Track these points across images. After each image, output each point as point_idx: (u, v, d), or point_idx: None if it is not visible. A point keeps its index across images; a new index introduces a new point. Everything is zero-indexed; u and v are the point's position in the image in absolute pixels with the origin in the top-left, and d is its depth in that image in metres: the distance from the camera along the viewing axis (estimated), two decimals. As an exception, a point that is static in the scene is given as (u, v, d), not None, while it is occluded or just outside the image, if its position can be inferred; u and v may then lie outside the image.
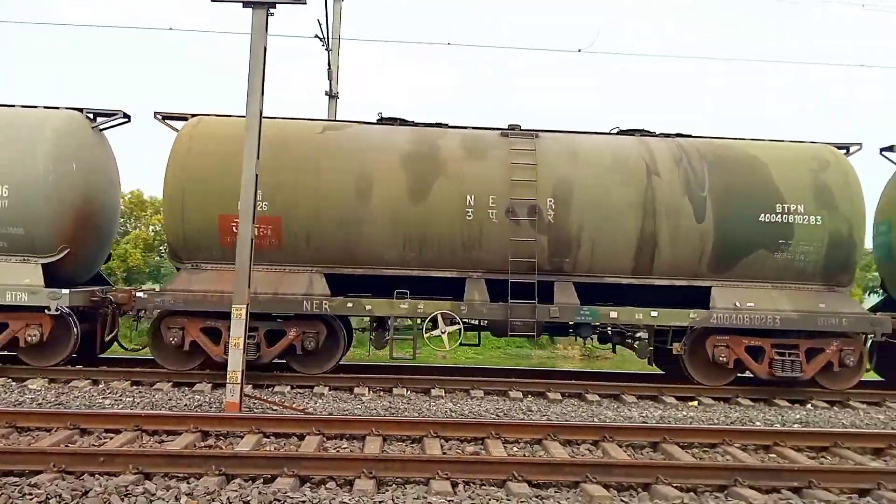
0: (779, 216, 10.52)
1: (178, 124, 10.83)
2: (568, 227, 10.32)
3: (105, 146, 11.22)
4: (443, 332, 10.12)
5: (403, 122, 11.04)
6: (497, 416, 8.69)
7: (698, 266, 10.59)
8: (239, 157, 8.75)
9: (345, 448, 6.72)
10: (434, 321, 10.14)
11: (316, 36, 14.93)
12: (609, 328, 10.80)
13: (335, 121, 10.82)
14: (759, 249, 10.54)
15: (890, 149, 11.96)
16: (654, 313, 10.36)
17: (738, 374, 10.78)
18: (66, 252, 10.22)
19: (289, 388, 9.78)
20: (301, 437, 6.87)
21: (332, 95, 15.79)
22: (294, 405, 8.68)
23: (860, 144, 11.66)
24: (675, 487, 5.60)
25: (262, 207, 9.94)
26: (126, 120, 11.16)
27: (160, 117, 10.88)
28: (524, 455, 6.65)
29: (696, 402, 10.07)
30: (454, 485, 5.54)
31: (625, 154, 10.70)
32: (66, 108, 10.72)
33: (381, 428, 6.98)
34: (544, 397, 9.96)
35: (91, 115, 10.96)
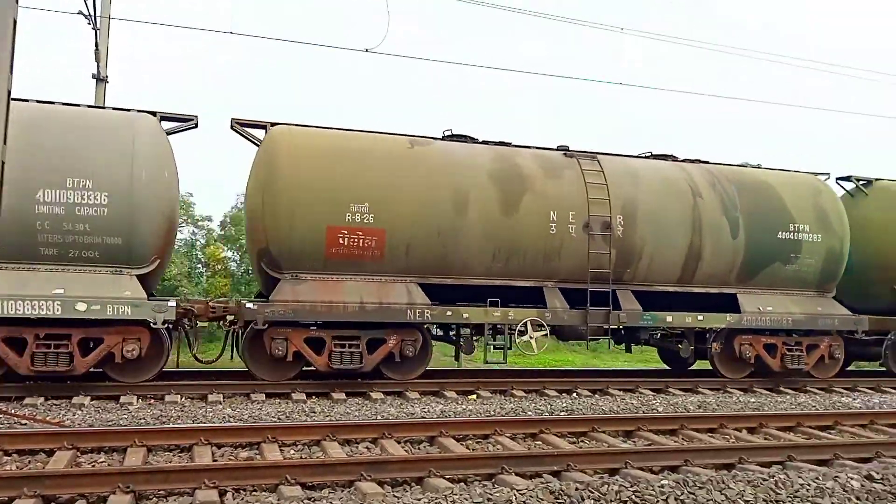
0: (791, 234, 12.46)
1: (250, 133, 10.74)
2: (633, 241, 11.54)
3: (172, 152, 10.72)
4: (531, 338, 10.95)
5: (471, 139, 11.67)
6: (278, 418, 8.36)
7: (728, 276, 12.27)
8: (344, 170, 8.94)
9: (102, 462, 6.29)
10: (524, 327, 10.93)
11: (80, 12, 13.74)
12: (662, 331, 12.19)
13: (414, 136, 11.13)
14: (776, 262, 12.42)
15: (847, 178, 14.37)
16: (700, 317, 11.88)
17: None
18: (157, 263, 9.83)
19: (42, 399, 9.01)
20: (51, 453, 6.27)
21: (101, 79, 14.25)
22: (48, 418, 7.91)
23: (828, 174, 13.93)
24: (447, 479, 5.72)
25: (367, 220, 10.20)
26: (194, 126, 10.70)
27: (238, 125, 10.68)
28: (301, 457, 6.58)
29: (475, 396, 10.48)
30: (222, 493, 5.26)
31: (673, 177, 12.11)
32: (141, 111, 10.19)
33: (145, 438, 6.59)
34: (328, 398, 9.95)
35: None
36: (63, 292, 9.12)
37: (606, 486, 5.30)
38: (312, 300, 10.06)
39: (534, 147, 11.94)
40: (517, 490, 5.20)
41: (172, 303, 9.61)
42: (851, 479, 5.81)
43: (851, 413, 9.35)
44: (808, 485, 5.61)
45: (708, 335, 12.13)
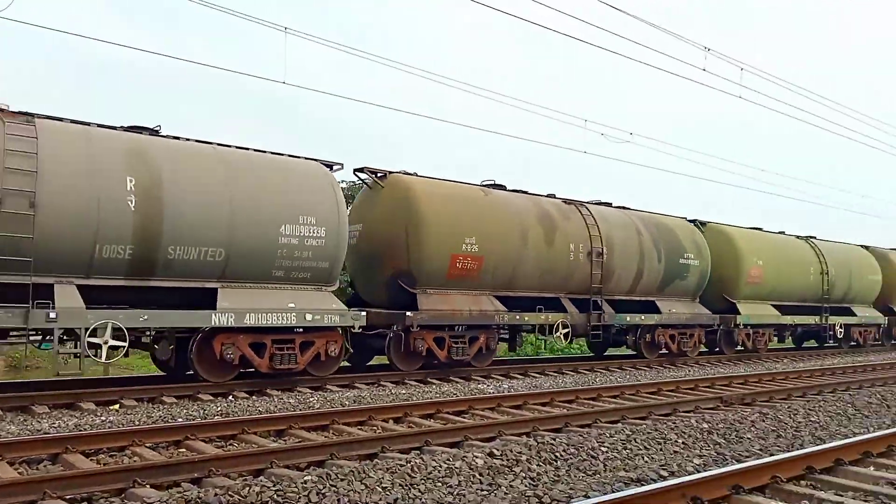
0: (684, 260, 18.64)
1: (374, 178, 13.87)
2: (612, 265, 16.70)
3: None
4: (560, 334, 15.52)
5: (504, 188, 15.89)
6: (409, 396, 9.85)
7: (654, 288, 18.05)
8: (460, 213, 12.76)
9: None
10: (557, 327, 15.46)
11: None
12: (623, 328, 17.51)
13: (482, 186, 15.05)
14: (676, 279, 18.52)
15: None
16: (642, 317, 17.49)
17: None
18: (338, 281, 12.57)
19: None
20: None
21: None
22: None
23: (686, 217, 20.49)
24: (67, 500, 5.35)
25: (473, 249, 13.97)
26: (341, 169, 13.30)
27: (367, 173, 13.75)
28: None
29: (117, 406, 9.76)
30: None
31: (624, 220, 17.54)
32: (316, 160, 12.72)
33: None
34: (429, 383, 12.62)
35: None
36: (294, 306, 11.59)
37: (248, 487, 5.28)
38: (440, 309, 13.56)
39: (548, 196, 16.53)
40: (147, 502, 5.09)
41: (363, 312, 12.47)
42: (477, 457, 6.40)
43: (483, 398, 10.33)
44: (440, 466, 6.10)
45: (639, 329, 17.77)
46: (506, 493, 5.82)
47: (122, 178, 10.03)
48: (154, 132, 11.08)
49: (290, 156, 12.53)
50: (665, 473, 6.21)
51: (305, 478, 5.57)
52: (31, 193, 9.27)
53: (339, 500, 5.33)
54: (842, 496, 5.72)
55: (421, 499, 5.60)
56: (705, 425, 8.69)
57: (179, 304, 10.85)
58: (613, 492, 5.24)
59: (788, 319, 22.11)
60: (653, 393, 12.01)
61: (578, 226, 16.18)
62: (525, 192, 16.09)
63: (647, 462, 7.09)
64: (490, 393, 11.51)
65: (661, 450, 7.64)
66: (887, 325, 26.87)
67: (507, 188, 15.83)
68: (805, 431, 8.83)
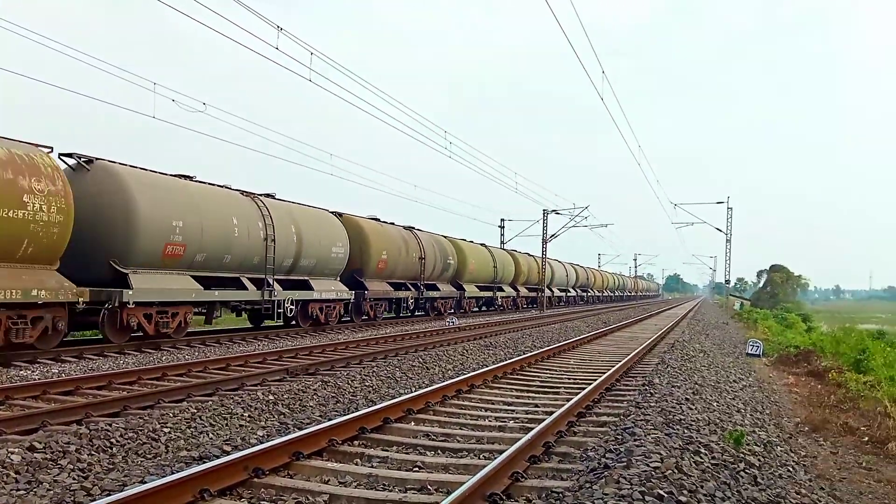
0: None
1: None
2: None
3: None
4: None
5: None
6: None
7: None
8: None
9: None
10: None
11: None
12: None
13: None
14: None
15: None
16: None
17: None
18: None
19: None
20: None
21: None
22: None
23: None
24: None
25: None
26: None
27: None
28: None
29: None
30: None
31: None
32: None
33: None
34: None
35: None
36: None
37: None
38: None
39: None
40: None
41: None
42: (12, 453, 5.73)
43: (24, 386, 9.19)
44: None
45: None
46: (48, 489, 5.17)
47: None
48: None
49: None
50: (228, 448, 6.18)
51: None
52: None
53: None
54: (388, 451, 6.38)
55: (-68, 511, 4.67)
56: (271, 397, 8.91)
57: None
58: (174, 473, 5.02)
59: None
60: (221, 369, 11.91)
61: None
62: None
63: (211, 439, 6.98)
64: (35, 380, 10.22)
65: (226, 425, 7.61)
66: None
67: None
68: (360, 396, 9.66)
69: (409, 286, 28.45)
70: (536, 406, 8.97)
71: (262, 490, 5.09)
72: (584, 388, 9.75)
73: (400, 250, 26.82)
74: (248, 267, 18.25)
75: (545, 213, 42.99)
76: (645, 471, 5.08)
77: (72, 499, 4.81)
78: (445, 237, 33.60)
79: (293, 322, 20.69)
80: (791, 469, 6.71)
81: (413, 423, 7.60)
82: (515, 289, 43.79)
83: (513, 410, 8.67)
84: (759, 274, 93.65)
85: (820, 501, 5.65)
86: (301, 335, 19.81)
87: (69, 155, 14.54)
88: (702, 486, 4.99)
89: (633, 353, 14.79)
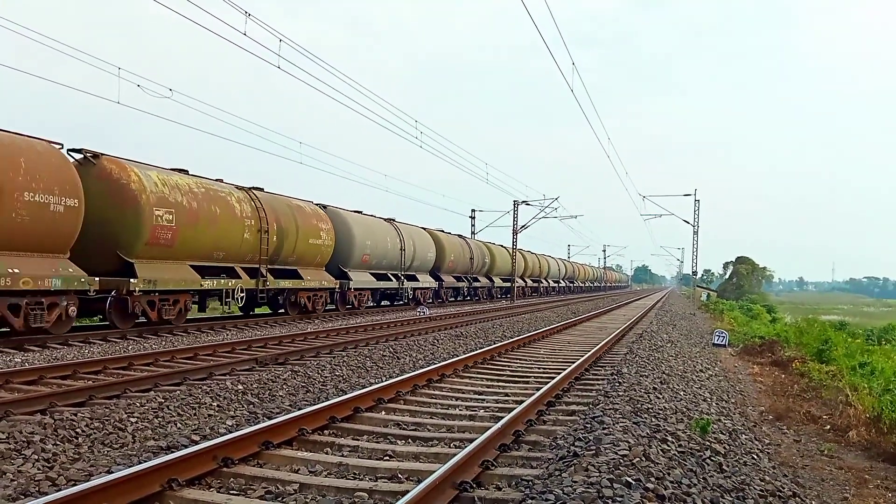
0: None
1: None
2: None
3: None
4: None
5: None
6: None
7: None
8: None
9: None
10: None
11: None
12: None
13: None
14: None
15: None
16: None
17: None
18: None
19: None
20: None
21: None
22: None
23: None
24: None
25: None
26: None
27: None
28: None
29: None
30: None
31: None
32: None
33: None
34: None
35: None
36: None
37: None
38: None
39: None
40: None
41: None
42: None
43: None
44: None
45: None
46: (12, 480, 5.08)
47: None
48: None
49: None
50: (197, 438, 6.12)
51: None
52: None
53: None
54: (358, 440, 6.37)
55: None
56: (240, 387, 8.85)
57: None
58: (141, 462, 4.96)
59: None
60: (189, 358, 11.77)
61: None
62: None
63: (179, 428, 6.92)
64: (-5, 368, 9.96)
65: (195, 414, 7.54)
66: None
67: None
68: (330, 385, 9.63)
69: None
70: (507, 395, 9.02)
71: (232, 479, 5.05)
72: (553, 378, 9.83)
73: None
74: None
75: (515, 203, 43.12)
76: (613, 458, 5.14)
77: (36, 489, 4.73)
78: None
79: (281, 311, 21.95)
80: (755, 457, 6.84)
81: (383, 413, 7.60)
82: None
83: (483, 400, 8.71)
84: (726, 266, 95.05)
85: (784, 488, 5.76)
86: (286, 323, 19.95)
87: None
88: (669, 474, 5.07)
89: (602, 342, 14.94)
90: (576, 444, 5.90)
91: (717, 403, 9.67)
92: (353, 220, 25.81)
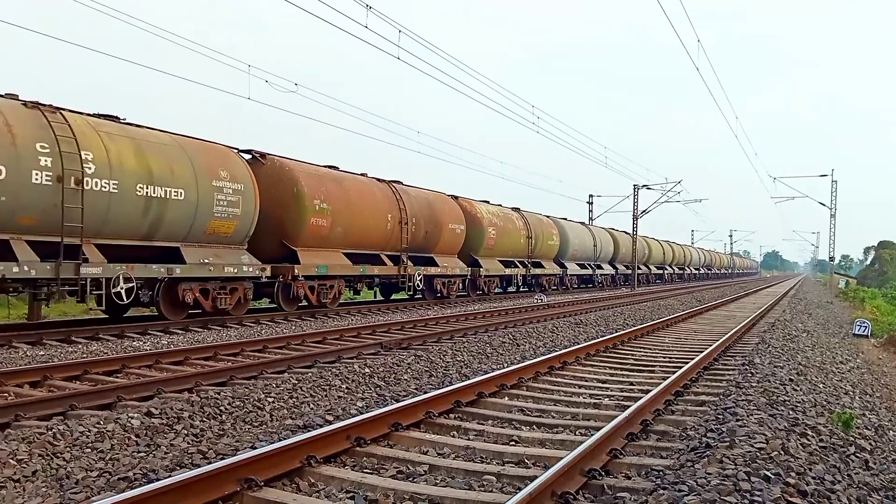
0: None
1: None
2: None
3: None
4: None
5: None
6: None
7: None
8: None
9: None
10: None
11: None
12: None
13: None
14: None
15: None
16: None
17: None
18: None
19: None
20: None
21: None
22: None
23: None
24: None
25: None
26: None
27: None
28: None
29: None
30: None
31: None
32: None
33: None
34: None
35: None
36: None
37: None
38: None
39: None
40: None
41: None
42: (132, 418, 6.00)
43: (138, 356, 9.65)
44: (89, 431, 5.61)
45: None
46: (166, 453, 5.51)
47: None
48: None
49: None
50: (330, 418, 6.39)
51: None
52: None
53: (-43, 479, 4.58)
54: (483, 424, 6.45)
55: (65, 468, 5.05)
56: (367, 370, 9.14)
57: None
58: (281, 440, 5.24)
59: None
60: (318, 342, 12.28)
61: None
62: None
63: (313, 409, 7.24)
64: (147, 350, 10.76)
65: (326, 395, 7.86)
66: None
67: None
68: (453, 370, 9.78)
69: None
70: (631, 384, 8.85)
71: (364, 458, 5.25)
72: (680, 367, 9.55)
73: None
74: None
75: (636, 188, 41.99)
76: (749, 451, 4.94)
77: (189, 461, 5.10)
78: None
79: (419, 296, 23.89)
80: (906, 455, 6.38)
81: (507, 398, 7.64)
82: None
83: (607, 388, 8.58)
84: (867, 251, 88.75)
85: (939, 489, 5.35)
86: (416, 308, 21.19)
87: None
88: (810, 469, 4.82)
89: (731, 332, 14.35)
90: (708, 434, 5.71)
91: (860, 397, 9.08)
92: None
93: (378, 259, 20.60)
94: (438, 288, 23.74)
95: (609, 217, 76.28)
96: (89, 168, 12.05)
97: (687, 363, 9.79)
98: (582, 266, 38.29)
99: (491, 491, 4.66)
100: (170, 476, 4.43)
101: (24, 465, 4.95)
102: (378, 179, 21.22)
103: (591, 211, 50.65)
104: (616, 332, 14.67)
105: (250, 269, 15.63)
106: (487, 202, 28.71)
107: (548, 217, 34.58)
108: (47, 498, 4.47)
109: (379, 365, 9.52)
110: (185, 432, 6.08)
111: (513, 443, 5.90)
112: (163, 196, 13.46)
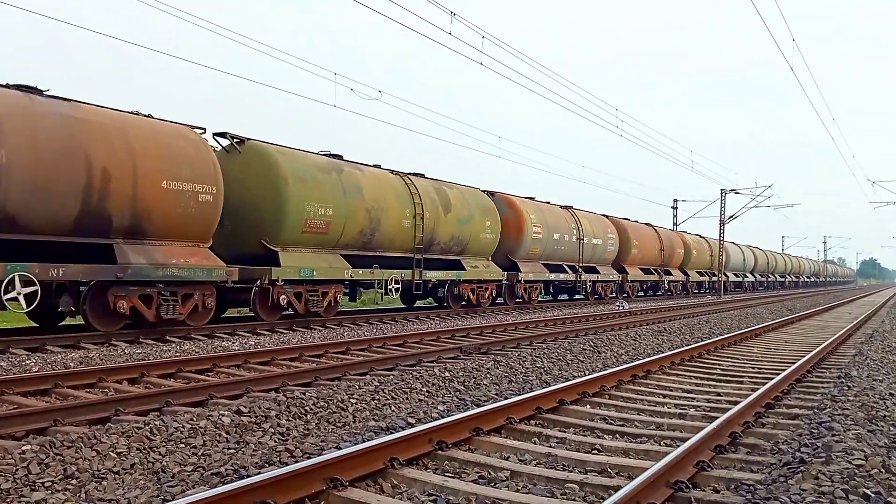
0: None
1: None
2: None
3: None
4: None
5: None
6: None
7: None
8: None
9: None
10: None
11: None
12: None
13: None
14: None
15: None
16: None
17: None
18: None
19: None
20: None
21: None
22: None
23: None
24: None
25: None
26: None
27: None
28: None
29: None
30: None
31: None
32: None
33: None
34: None
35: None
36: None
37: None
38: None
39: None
40: None
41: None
42: (223, 415, 6.19)
43: (228, 355, 9.94)
44: (183, 427, 5.80)
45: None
46: (255, 450, 5.69)
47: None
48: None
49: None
50: (412, 421, 6.46)
51: (24, 448, 5.02)
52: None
53: (65, 469, 4.84)
54: (565, 432, 6.38)
55: (161, 462, 5.28)
56: (447, 374, 9.19)
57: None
58: (364, 441, 5.33)
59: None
60: (399, 345, 12.44)
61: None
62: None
63: (395, 411, 7.34)
64: (236, 350, 11.14)
65: (407, 398, 7.95)
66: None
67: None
68: (533, 376, 9.72)
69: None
70: (718, 395, 8.58)
71: (446, 462, 5.28)
72: (771, 379, 9.19)
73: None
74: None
75: (723, 192, 40.75)
76: (847, 468, 4.72)
77: (277, 458, 5.24)
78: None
79: (445, 304, 21.05)
80: None
81: (588, 406, 7.54)
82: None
83: (693, 398, 8.35)
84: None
85: None
86: (452, 317, 19.74)
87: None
88: (915, 489, 4.56)
89: (826, 342, 13.71)
90: (801, 449, 5.47)
91: (969, 415, 8.52)
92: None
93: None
94: (466, 295, 21.15)
95: (694, 222, 74.08)
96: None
97: (778, 374, 9.42)
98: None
99: (574, 499, 4.61)
100: (259, 472, 4.57)
101: (124, 458, 5.20)
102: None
103: (675, 216, 49.44)
104: (701, 340, 14.26)
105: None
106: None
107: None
108: (145, 490, 4.68)
109: (458, 369, 9.55)
110: (273, 431, 6.26)
111: (595, 451, 5.81)
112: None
